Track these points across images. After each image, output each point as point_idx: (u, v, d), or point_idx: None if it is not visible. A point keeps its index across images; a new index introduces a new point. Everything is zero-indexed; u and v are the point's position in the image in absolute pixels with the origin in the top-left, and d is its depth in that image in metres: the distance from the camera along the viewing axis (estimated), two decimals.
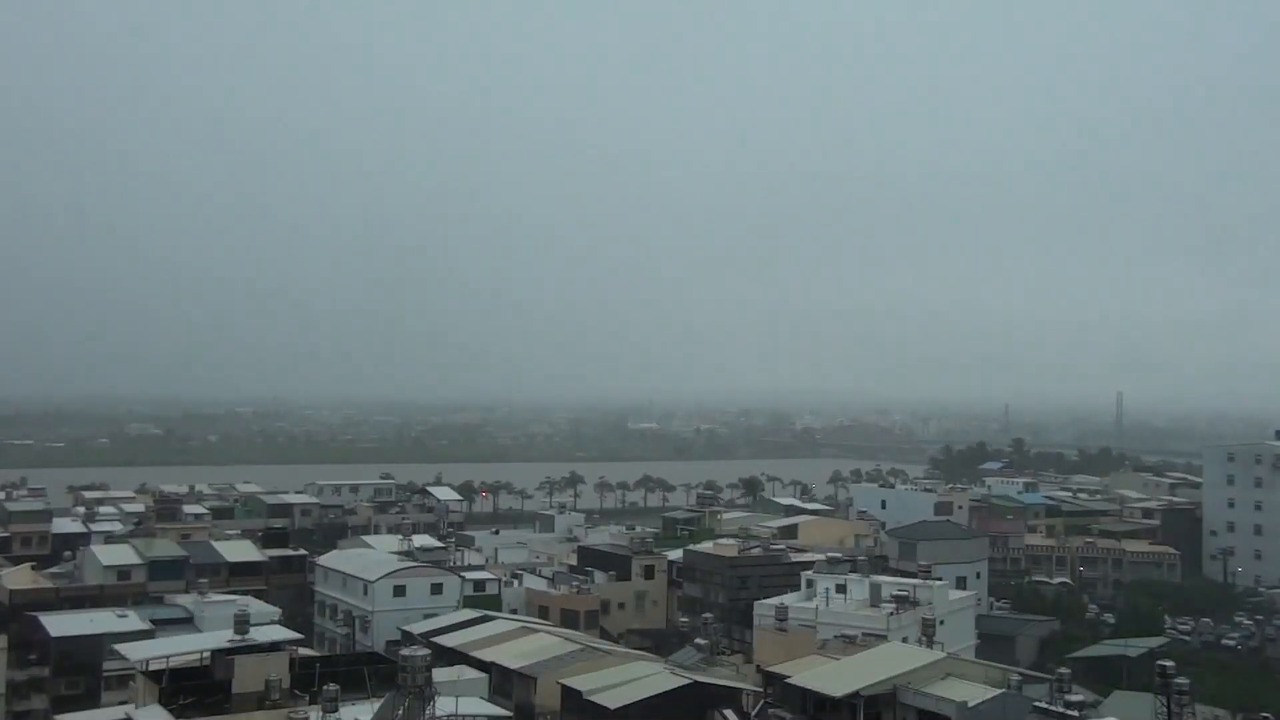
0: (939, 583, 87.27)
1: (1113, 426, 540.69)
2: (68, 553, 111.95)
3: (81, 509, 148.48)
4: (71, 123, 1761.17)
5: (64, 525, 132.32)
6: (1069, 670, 58.29)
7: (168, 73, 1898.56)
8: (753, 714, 61.49)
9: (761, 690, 64.01)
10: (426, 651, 48.87)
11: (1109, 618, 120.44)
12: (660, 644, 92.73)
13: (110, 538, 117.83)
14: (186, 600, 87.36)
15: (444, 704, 48.21)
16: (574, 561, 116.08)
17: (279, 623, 75.72)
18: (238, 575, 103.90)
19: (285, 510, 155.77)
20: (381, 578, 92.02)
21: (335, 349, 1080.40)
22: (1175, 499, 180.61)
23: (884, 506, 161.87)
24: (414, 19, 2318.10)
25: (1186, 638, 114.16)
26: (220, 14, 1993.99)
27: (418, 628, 78.65)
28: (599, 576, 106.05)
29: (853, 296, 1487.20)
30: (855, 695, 58.02)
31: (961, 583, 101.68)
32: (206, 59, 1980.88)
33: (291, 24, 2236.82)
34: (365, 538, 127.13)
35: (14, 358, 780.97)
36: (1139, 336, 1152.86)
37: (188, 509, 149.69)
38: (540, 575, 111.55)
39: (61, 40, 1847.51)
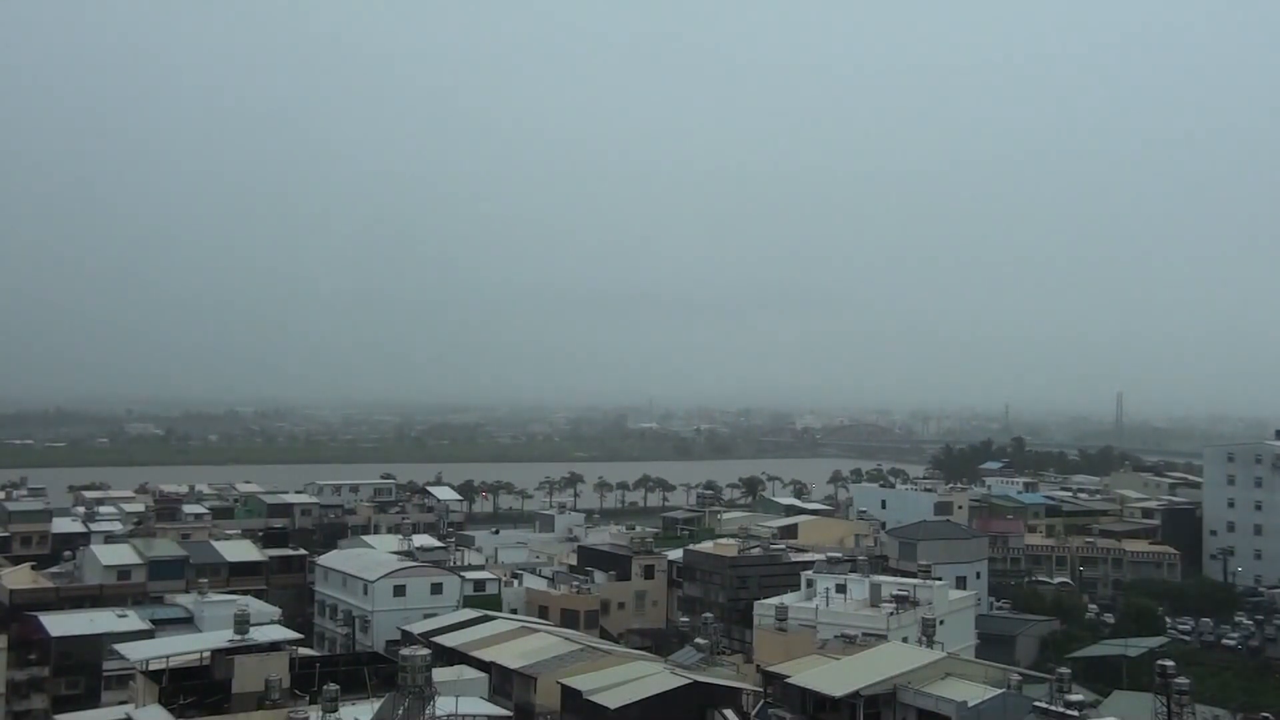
0: (939, 583, 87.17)
1: (1113, 426, 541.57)
2: (68, 553, 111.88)
3: (81, 509, 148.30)
4: (72, 124, 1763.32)
5: (64, 525, 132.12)
6: (1069, 670, 58.17)
7: (169, 74, 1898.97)
8: (753, 714, 61.52)
9: (761, 690, 64.02)
10: (426, 651, 48.89)
11: (1109, 618, 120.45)
12: (660, 644, 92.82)
13: (110, 538, 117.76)
14: (186, 600, 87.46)
15: (444, 704, 48.21)
16: (574, 561, 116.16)
17: (279, 623, 75.68)
18: (238, 575, 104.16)
19: (285, 510, 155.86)
20: (381, 578, 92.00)
21: (335, 349, 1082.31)
22: (1175, 499, 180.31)
23: (884, 506, 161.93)
24: (422, 19, 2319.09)
25: (1186, 638, 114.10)
26: (224, 11, 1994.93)
27: (418, 628, 78.66)
28: (599, 576, 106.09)
29: (854, 296, 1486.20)
30: (855, 695, 58.02)
31: (961, 583, 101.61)
32: (208, 59, 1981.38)
33: (295, 22, 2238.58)
34: (365, 538, 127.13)
35: (14, 358, 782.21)
36: (1139, 337, 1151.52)
37: (188, 509, 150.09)
38: (540, 575, 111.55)
39: (59, 43, 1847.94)
